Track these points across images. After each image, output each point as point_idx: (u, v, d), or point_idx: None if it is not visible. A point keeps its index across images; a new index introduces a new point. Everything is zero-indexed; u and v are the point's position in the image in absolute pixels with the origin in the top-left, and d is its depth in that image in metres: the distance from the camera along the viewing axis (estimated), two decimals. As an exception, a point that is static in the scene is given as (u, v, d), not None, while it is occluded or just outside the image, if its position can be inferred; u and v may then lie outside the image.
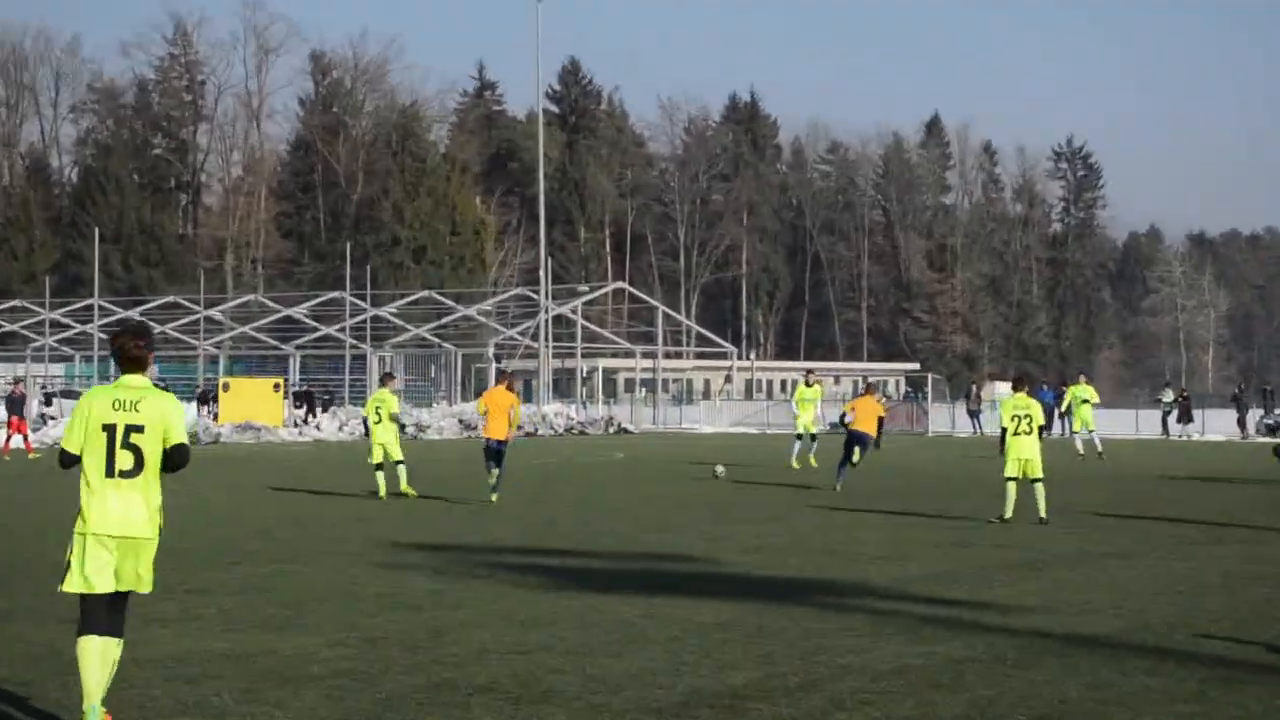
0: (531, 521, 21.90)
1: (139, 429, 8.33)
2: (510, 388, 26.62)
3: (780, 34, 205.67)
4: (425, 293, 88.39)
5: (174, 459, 8.43)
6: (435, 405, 67.92)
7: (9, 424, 42.97)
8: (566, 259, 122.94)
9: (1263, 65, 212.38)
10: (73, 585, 8.30)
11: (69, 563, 8.34)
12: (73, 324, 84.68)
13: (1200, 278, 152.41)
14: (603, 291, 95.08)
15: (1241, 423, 62.92)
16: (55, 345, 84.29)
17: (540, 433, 61.09)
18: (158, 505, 8.49)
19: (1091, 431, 42.06)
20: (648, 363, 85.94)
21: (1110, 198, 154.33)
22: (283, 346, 77.95)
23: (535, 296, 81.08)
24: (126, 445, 8.33)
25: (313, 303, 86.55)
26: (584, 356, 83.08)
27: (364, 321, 79.52)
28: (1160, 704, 9.12)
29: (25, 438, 42.59)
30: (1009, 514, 20.89)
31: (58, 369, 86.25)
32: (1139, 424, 65.66)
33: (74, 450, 8.41)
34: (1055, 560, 16.67)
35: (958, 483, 30.81)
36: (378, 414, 26.48)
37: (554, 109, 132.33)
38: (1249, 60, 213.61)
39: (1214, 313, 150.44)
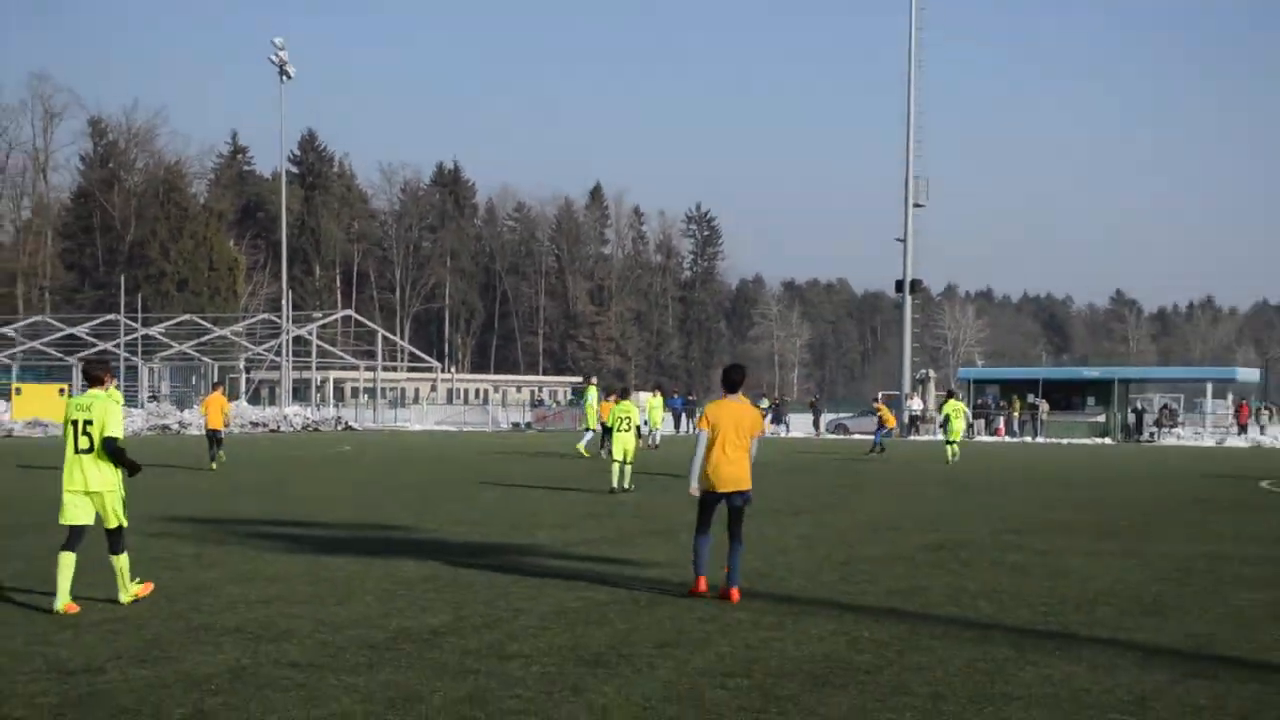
0: (273, 500, 21.48)
1: (89, 422, 10.37)
2: (224, 393, 31.48)
3: (478, 114, 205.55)
4: (187, 316, 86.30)
5: (105, 445, 10.34)
6: (194, 407, 66.19)
7: None
8: (305, 291, 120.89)
9: (836, 141, 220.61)
10: (61, 519, 10.47)
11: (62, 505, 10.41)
12: None
13: (790, 314, 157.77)
14: (333, 317, 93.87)
15: (816, 424, 65.51)
16: None
17: (282, 430, 59.68)
18: (112, 468, 10.42)
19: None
20: (369, 374, 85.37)
21: (727, 252, 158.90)
22: (66, 359, 75.18)
23: (278, 320, 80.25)
24: (84, 433, 10.36)
25: (93, 323, 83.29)
26: (318, 369, 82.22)
27: (136, 339, 77.60)
28: (750, 630, 9.48)
29: None
30: (615, 485, 22.95)
31: None
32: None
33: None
34: (681, 528, 17.05)
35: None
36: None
37: (294, 170, 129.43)
38: (828, 136, 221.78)
39: (799, 341, 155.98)
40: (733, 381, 11.50)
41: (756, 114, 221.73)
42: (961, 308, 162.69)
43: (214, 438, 29.75)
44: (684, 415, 63.39)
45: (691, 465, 11.13)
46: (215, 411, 30.21)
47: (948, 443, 36.05)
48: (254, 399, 77.44)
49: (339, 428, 64.22)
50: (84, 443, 10.34)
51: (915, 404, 64.68)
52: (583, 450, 35.34)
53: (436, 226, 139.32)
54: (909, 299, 68.32)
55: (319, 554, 13.86)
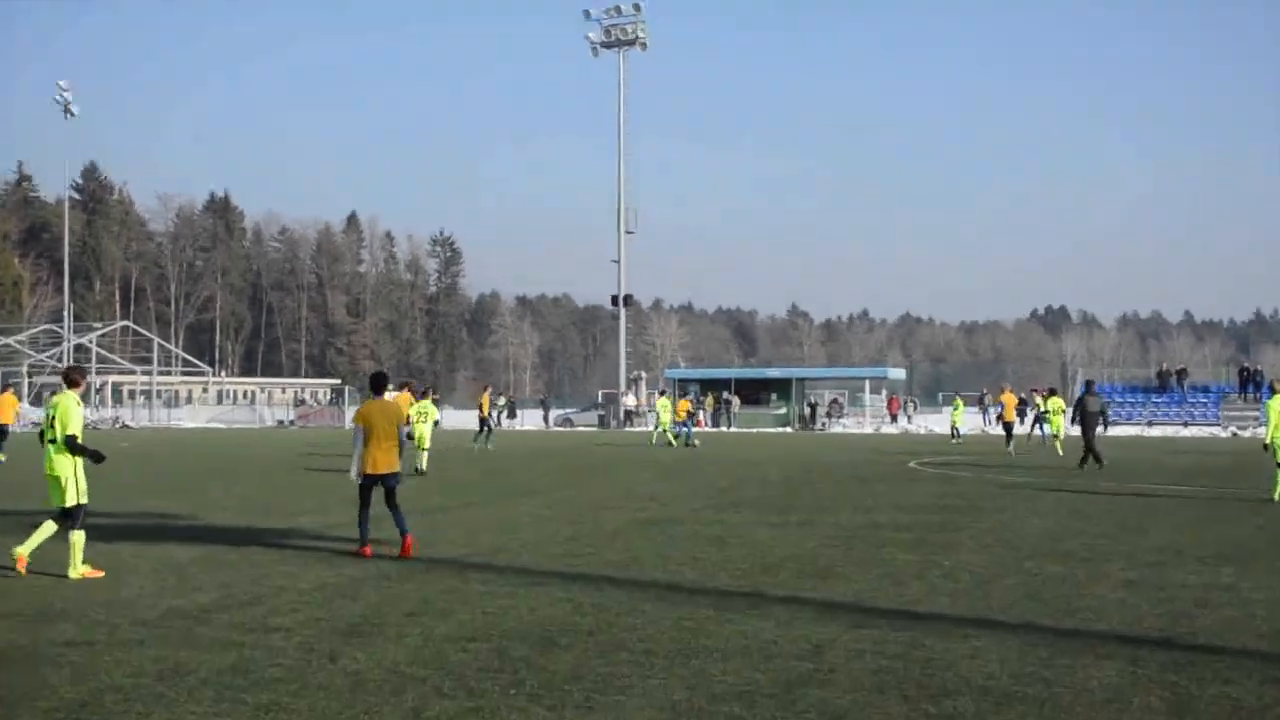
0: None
1: (54, 418, 10.67)
2: (14, 393, 31.06)
3: (246, 145, 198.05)
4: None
5: (66, 440, 10.58)
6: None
7: None
8: (86, 304, 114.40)
9: (560, 172, 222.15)
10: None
11: None
12: None
13: (522, 324, 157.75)
14: (113, 328, 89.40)
15: (545, 418, 65.78)
16: None
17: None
18: (70, 462, 10.64)
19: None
20: (145, 378, 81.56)
21: (467, 270, 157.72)
22: None
23: (60, 330, 76.19)
24: (52, 426, 10.68)
25: (-120, 330, 77.09)
26: (98, 374, 78.03)
27: (-75, 345, 72.28)
28: (488, 600, 9.34)
29: None
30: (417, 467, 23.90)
31: None
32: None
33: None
34: (429, 509, 16.79)
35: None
36: None
37: (78, 197, 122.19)
38: (552, 167, 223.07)
39: (530, 347, 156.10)
40: (378, 385, 12.50)
41: (492, 147, 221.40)
42: (666, 318, 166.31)
43: (4, 432, 29.33)
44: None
45: (353, 457, 12.01)
46: (6, 409, 29.78)
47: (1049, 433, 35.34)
48: (36, 401, 72.90)
49: (117, 426, 61.00)
50: (51, 435, 10.72)
51: (629, 400, 65.69)
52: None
53: (209, 247, 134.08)
54: (623, 311, 69.40)
55: (96, 541, 12.96)
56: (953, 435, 43.59)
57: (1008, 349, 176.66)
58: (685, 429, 39.83)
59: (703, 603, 9.29)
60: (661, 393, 49.70)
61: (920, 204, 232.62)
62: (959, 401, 44.74)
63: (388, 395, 12.48)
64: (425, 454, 24.74)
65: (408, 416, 22.61)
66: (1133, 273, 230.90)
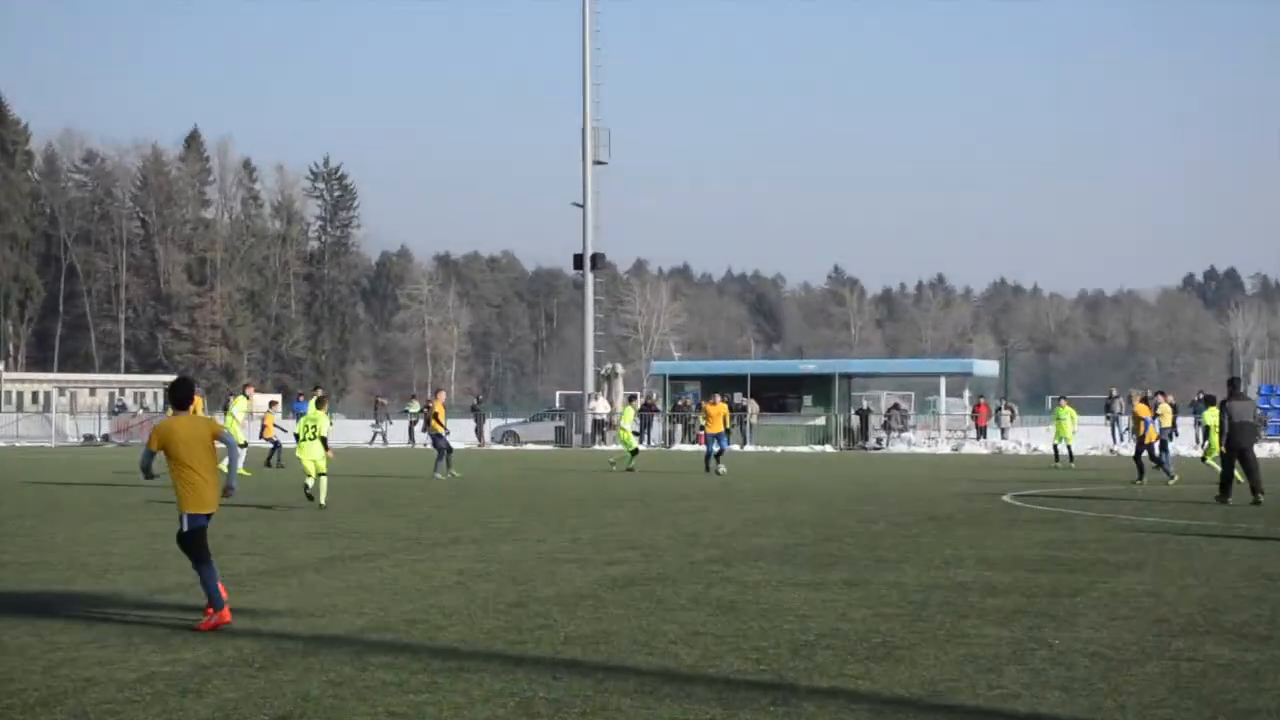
0: None
1: None
2: None
3: (33, 36, 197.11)
4: None
5: None
6: None
7: None
8: None
9: (497, 88, 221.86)
10: None
11: None
12: None
13: (446, 295, 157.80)
14: None
15: (479, 432, 65.51)
16: None
17: None
18: None
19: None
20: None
21: (364, 218, 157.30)
22: None
23: None
24: None
25: None
26: None
27: None
28: (395, 694, 9.36)
29: None
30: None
31: None
32: (410, 434, 67.34)
33: None
34: (304, 565, 16.80)
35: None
36: None
37: None
38: (487, 82, 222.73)
39: (457, 329, 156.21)
40: (180, 399, 12.95)
41: (397, 51, 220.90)
42: (654, 288, 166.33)
43: None
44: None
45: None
46: None
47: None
48: None
49: None
50: None
51: (600, 406, 65.64)
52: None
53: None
54: (590, 276, 69.27)
55: None
56: (1056, 457, 43.70)
57: (1149, 332, 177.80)
58: (720, 447, 39.42)
59: (704, 696, 9.31)
60: (631, 398, 49.61)
61: (1019, 128, 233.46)
62: (1065, 410, 44.73)
63: (188, 413, 12.89)
64: (324, 480, 25.92)
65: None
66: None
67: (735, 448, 59.22)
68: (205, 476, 12.48)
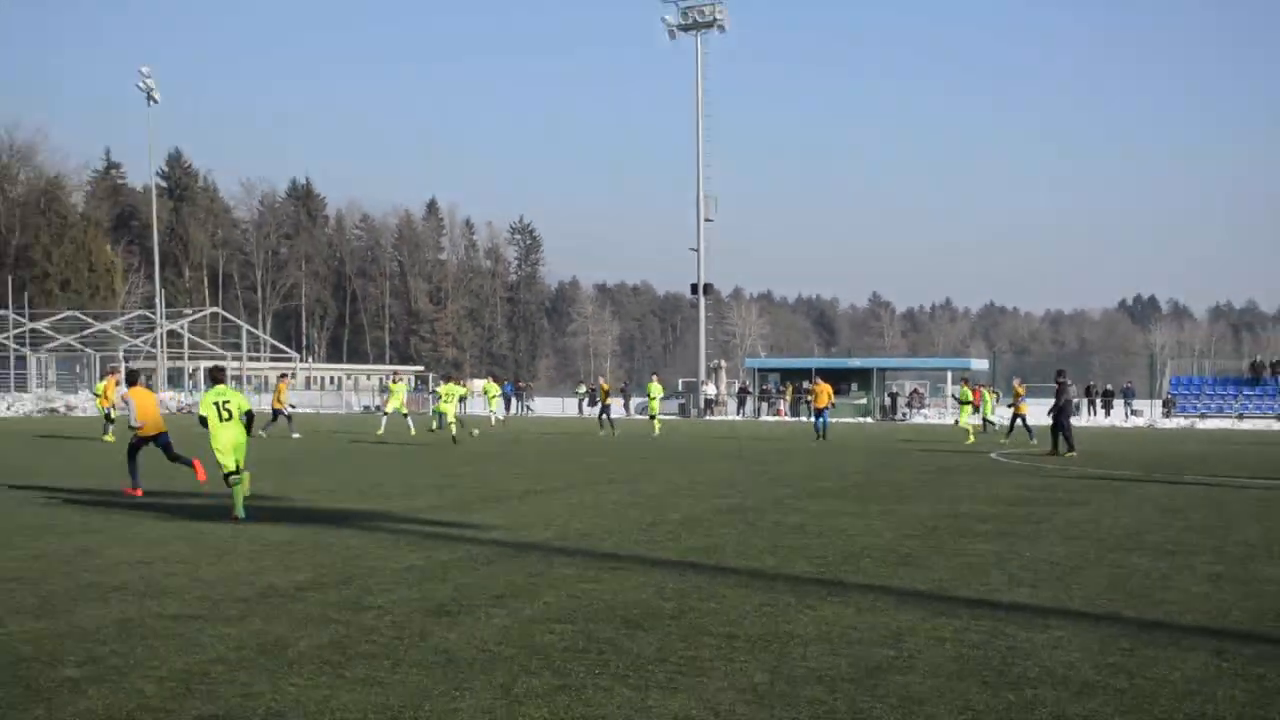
0: (153, 473, 20.75)
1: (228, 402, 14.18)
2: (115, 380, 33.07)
3: (327, 134, 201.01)
4: (71, 312, 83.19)
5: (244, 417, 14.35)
6: (80, 393, 63.82)
7: None
8: (175, 290, 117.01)
9: (638, 159, 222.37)
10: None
11: None
12: None
13: (602, 313, 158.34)
14: (202, 314, 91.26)
15: (626, 407, 65.88)
16: None
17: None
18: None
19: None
20: (235, 363, 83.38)
21: (546, 258, 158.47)
22: (-41, 352, 72.06)
23: (153, 316, 77.96)
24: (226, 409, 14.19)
25: (-20, 319, 79.86)
26: (190, 359, 79.99)
27: (24, 332, 74.60)
28: (573, 583, 9.51)
29: None
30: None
31: None
32: (564, 408, 67.77)
33: None
34: (511, 496, 17.09)
35: (452, 448, 30.92)
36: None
37: (164, 184, 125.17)
38: (631, 154, 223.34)
39: (610, 336, 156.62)
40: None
41: (569, 131, 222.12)
42: (746, 307, 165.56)
43: (109, 416, 32.07)
44: (514, 398, 63.25)
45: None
46: (111, 394, 32.22)
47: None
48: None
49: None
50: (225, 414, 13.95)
51: (710, 389, 65.68)
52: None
53: (292, 234, 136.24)
54: (703, 300, 69.31)
55: (196, 520, 13.51)
56: (989, 428, 41.12)
57: (1094, 340, 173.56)
58: (822, 420, 36.67)
59: (783, 589, 9.40)
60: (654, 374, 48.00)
61: (1005, 192, 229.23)
62: (969, 392, 39.74)
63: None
64: (453, 425, 31.39)
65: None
66: (1226, 262, 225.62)
67: (801, 419, 58.92)
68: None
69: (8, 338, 72.98)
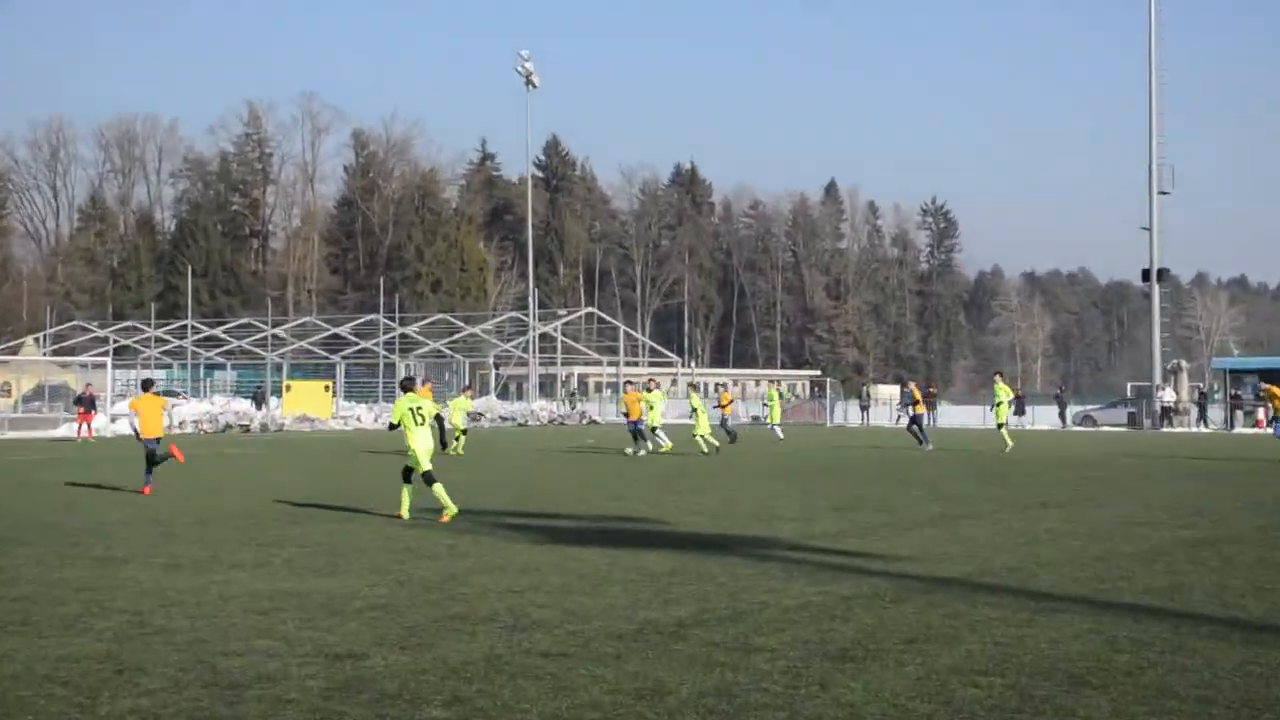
0: (524, 492, 21.88)
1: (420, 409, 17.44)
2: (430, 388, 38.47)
3: (714, 115, 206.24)
4: (441, 315, 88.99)
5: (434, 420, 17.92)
6: (445, 404, 67.90)
7: (79, 416, 44.18)
8: (549, 289, 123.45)
9: (1072, 128, 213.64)
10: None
11: None
12: (172, 339, 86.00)
13: (1031, 305, 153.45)
14: (577, 315, 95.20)
15: (1062, 416, 63.36)
16: (158, 356, 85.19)
17: (529, 424, 60.97)
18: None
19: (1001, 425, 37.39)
20: (612, 369, 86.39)
21: (964, 244, 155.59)
22: (331, 357, 78.46)
23: (525, 318, 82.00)
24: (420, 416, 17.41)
25: (354, 323, 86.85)
26: (563, 364, 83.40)
27: (394, 337, 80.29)
28: (1000, 627, 9.14)
29: (88, 427, 43.71)
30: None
31: (160, 374, 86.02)
32: (985, 417, 65.95)
33: None
34: (922, 522, 16.72)
35: (852, 463, 30.81)
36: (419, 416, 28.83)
37: (539, 174, 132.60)
38: (1064, 123, 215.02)
39: (1041, 332, 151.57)
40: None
41: (988, 101, 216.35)
42: (1214, 296, 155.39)
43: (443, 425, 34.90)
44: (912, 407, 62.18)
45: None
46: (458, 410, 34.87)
47: None
48: (503, 394, 79.14)
49: (584, 422, 65.26)
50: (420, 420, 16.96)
51: (1167, 395, 61.98)
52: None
53: (675, 225, 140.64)
54: (1157, 288, 65.48)
55: (567, 545, 14.03)
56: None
57: None
58: None
59: (1273, 643, 8.60)
60: (692, 386, 45.02)
61: None
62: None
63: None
64: (700, 439, 33.04)
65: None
66: None
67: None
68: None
69: (377, 343, 78.76)
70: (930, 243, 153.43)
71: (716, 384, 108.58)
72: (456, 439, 34.24)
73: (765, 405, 43.41)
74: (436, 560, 12.83)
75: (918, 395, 38.94)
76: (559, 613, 9.85)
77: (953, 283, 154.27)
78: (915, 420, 37.81)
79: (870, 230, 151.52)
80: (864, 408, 67.99)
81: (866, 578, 11.59)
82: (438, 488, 16.62)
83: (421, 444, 16.89)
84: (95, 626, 9.27)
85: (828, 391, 76.36)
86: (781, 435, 43.76)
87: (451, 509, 16.39)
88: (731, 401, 43.38)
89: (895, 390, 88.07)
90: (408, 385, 17.77)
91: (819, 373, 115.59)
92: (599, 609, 10.02)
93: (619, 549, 13.66)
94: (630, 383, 38.54)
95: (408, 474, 17.15)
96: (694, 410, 35.77)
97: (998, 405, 37.50)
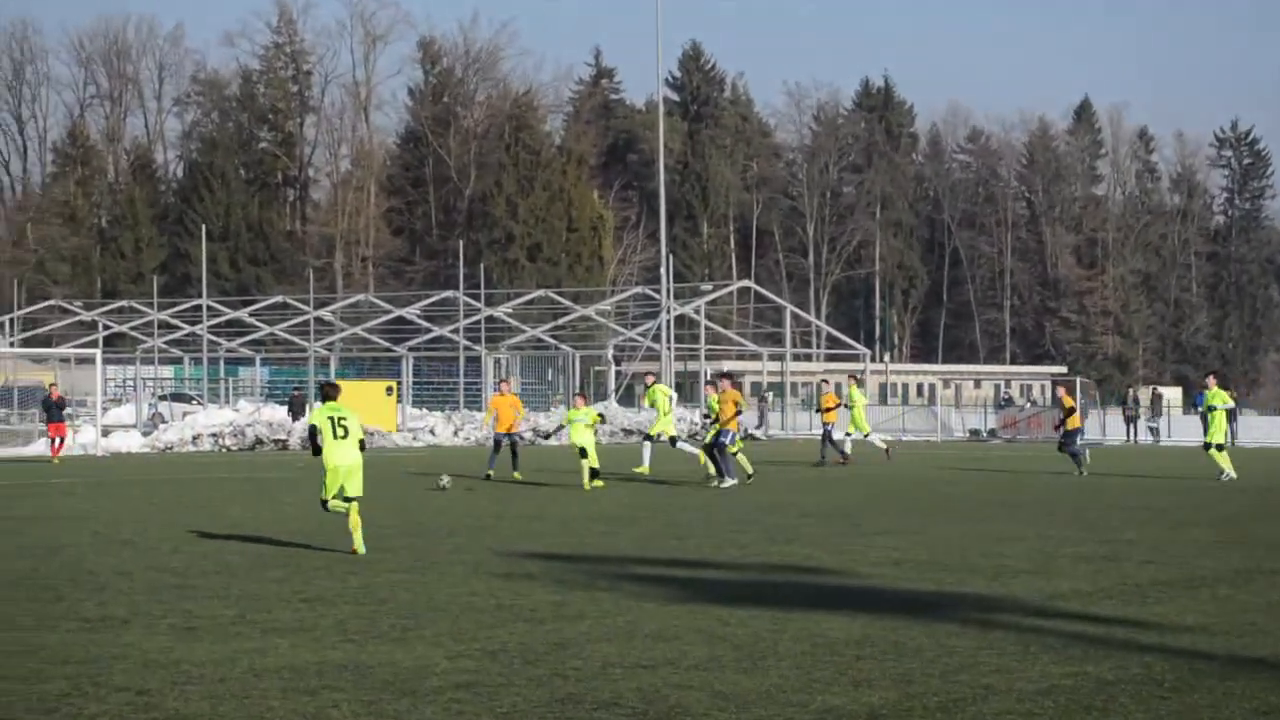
0: (655, 530, 21.98)
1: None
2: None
3: (916, 14, 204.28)
4: (541, 292, 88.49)
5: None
6: (553, 410, 67.56)
7: (49, 427, 44.58)
8: (689, 256, 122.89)
9: None
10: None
11: None
12: (181, 325, 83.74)
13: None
14: (727, 290, 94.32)
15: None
16: (164, 347, 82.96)
17: (660, 437, 60.82)
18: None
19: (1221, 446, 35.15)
20: (775, 365, 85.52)
21: (1278, 188, 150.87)
22: (395, 348, 77.47)
23: (656, 296, 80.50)
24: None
25: (425, 303, 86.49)
26: (708, 359, 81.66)
27: (478, 322, 79.05)
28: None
29: (59, 441, 44.11)
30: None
31: (167, 371, 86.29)
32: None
33: None
34: (1216, 578, 16.44)
35: (1109, 494, 30.39)
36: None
37: (674, 97, 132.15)
38: None
39: None
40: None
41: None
42: None
43: (498, 443, 34.87)
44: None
45: None
46: (505, 412, 35.01)
47: None
48: (626, 398, 78.02)
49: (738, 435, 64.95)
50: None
51: None
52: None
53: (862, 166, 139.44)
54: None
55: (715, 604, 14.07)
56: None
57: None
58: None
59: None
60: (711, 383, 42.61)
61: None
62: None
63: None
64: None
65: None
66: None
67: None
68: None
69: (455, 330, 77.81)
70: (1229, 186, 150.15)
71: (911, 382, 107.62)
72: (587, 466, 31.31)
73: (847, 407, 42.31)
74: (540, 623, 12.97)
75: (1069, 403, 37.00)
76: (706, 696, 9.90)
77: (1262, 242, 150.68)
78: (1069, 437, 36.87)
79: (1140, 170, 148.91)
80: (1130, 418, 66.95)
81: (1135, 654, 11.50)
82: (354, 513, 18.42)
83: (342, 460, 18.56)
84: (86, 711, 9.50)
85: (1077, 395, 75.31)
86: (882, 445, 43.09)
87: (360, 547, 18.12)
88: (838, 406, 42.04)
89: (1177, 393, 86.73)
90: (330, 391, 19.82)
91: (1065, 369, 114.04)
92: (760, 692, 10.07)
93: (787, 609, 13.70)
94: (727, 375, 35.09)
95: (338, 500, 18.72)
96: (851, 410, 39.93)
97: (1212, 415, 35.73)
